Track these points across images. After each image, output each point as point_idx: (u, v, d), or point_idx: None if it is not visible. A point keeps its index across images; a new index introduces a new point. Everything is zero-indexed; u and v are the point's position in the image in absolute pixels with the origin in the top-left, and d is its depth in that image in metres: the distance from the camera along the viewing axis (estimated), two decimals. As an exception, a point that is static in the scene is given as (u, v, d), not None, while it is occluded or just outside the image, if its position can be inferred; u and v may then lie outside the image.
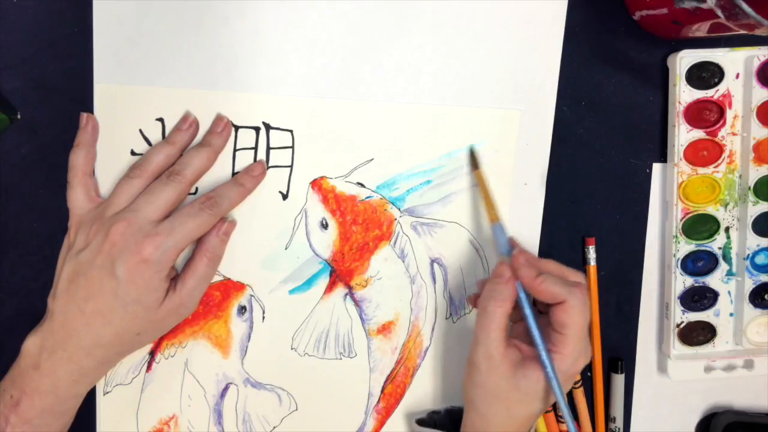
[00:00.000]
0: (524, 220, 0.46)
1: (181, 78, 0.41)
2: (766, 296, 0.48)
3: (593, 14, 0.45)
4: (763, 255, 0.47)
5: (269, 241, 0.43)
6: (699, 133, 0.45)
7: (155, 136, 0.41)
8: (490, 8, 0.43)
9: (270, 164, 0.43)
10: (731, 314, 0.48)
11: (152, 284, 0.37)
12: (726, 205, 0.47)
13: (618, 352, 0.49)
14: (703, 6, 0.36)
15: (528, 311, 0.38)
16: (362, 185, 0.44)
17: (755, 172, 0.46)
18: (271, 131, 0.42)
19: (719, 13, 0.35)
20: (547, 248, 0.47)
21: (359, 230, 0.44)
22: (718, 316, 0.48)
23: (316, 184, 0.43)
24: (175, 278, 0.39)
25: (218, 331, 0.44)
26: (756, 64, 0.44)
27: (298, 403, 0.45)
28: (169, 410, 0.44)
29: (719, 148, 0.46)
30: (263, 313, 0.44)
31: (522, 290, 0.38)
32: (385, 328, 0.46)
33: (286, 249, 0.44)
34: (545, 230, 0.47)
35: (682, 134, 0.45)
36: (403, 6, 0.42)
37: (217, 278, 0.43)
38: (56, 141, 0.41)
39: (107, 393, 0.43)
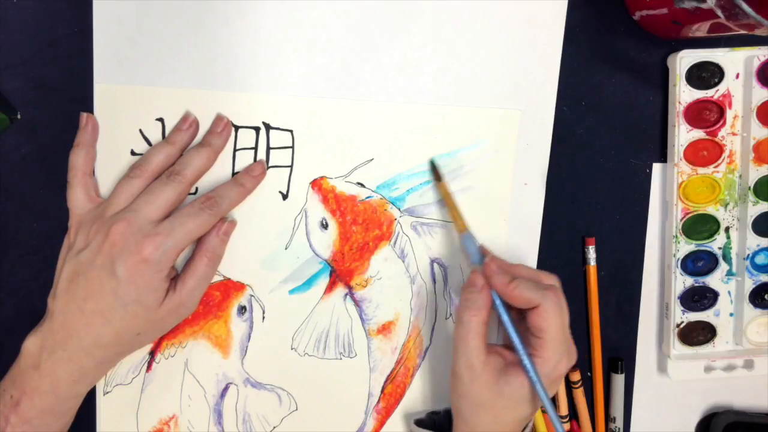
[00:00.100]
0: (524, 220, 0.46)
1: (181, 78, 0.41)
2: (766, 296, 0.48)
3: (593, 14, 0.45)
4: (763, 255, 0.47)
5: (269, 241, 0.43)
6: (699, 133, 0.45)
7: (155, 136, 0.41)
8: (490, 8, 0.43)
9: (270, 164, 0.43)
10: (731, 314, 0.48)
11: (152, 284, 0.37)
12: (726, 205, 0.47)
13: (618, 352, 0.49)
14: (703, 6, 0.37)
15: (505, 317, 0.38)
16: (362, 185, 0.44)
17: (755, 172, 0.46)
18: (271, 131, 0.42)
19: (719, 13, 0.35)
20: (547, 248, 0.47)
21: (359, 230, 0.44)
22: (718, 316, 0.48)
23: (316, 184, 0.43)
24: (175, 278, 0.39)
25: (218, 331, 0.44)
26: (756, 64, 0.44)
27: (298, 403, 0.45)
28: (169, 410, 0.44)
29: (719, 148, 0.46)
30: (263, 313, 0.44)
31: (498, 297, 0.38)
32: (385, 328, 0.46)
33: (286, 249, 0.44)
34: (545, 230, 0.47)
35: (682, 134, 0.45)
36: (403, 6, 0.42)
37: (217, 278, 0.43)
38: (56, 141, 0.41)
39: (107, 393, 0.43)
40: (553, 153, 0.46)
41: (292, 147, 0.43)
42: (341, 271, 0.45)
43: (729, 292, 0.48)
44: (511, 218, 0.46)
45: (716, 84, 0.45)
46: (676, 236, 0.46)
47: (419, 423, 0.45)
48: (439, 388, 0.47)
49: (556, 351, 0.37)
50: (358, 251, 0.45)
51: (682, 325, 0.47)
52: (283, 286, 0.44)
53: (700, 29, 0.40)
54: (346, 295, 0.45)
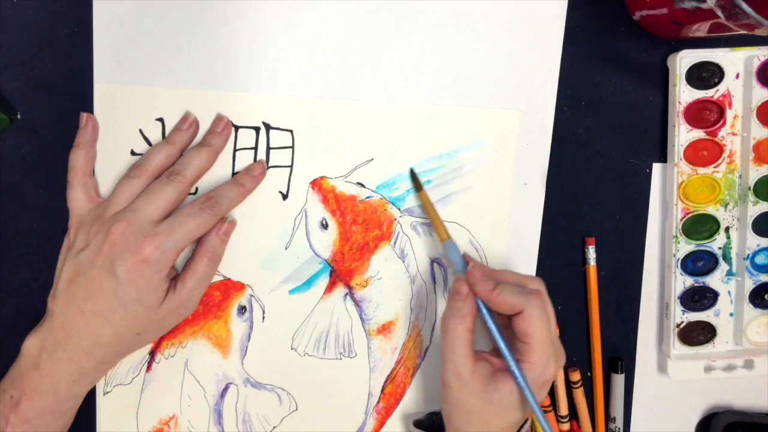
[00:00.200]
0: (524, 220, 0.46)
1: (181, 78, 0.41)
2: (766, 296, 0.48)
3: (593, 14, 0.45)
4: (763, 255, 0.47)
5: (269, 241, 0.43)
6: (699, 133, 0.45)
7: (155, 136, 0.41)
8: (490, 8, 0.43)
9: (270, 164, 0.43)
10: (731, 314, 0.48)
11: (152, 284, 0.37)
12: (726, 205, 0.47)
13: (618, 352, 0.49)
14: (703, 6, 0.37)
15: (490, 324, 0.38)
16: (362, 185, 0.44)
17: (755, 172, 0.46)
18: (271, 131, 0.42)
19: (719, 13, 0.35)
20: (547, 248, 0.47)
21: (359, 230, 0.44)
22: (718, 316, 0.48)
23: (316, 184, 0.43)
24: (175, 278, 0.39)
25: (218, 331, 0.44)
26: (756, 64, 0.44)
27: (298, 403, 0.45)
28: (169, 410, 0.44)
29: (719, 148, 0.46)
30: (263, 313, 0.44)
31: (483, 304, 0.38)
32: (385, 328, 0.46)
33: (286, 249, 0.44)
34: (545, 230, 0.47)
35: (682, 134, 0.45)
36: (403, 6, 0.42)
37: (217, 278, 0.43)
38: (56, 141, 0.41)
39: (107, 393, 0.43)
40: (553, 153, 0.46)
41: (292, 147, 0.43)
42: (341, 271, 0.45)
43: (729, 292, 0.48)
44: (511, 218, 0.46)
45: (716, 84, 0.45)
46: (676, 236, 0.46)
47: (418, 424, 0.45)
48: (439, 388, 0.47)
49: (542, 355, 0.37)
50: (358, 251, 0.45)
51: (682, 325, 0.47)
52: (283, 286, 0.44)
53: (700, 29, 0.40)
54: (346, 295, 0.45)
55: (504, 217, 0.46)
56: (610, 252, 0.48)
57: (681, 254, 0.46)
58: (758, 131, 0.45)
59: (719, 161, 0.46)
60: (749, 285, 0.47)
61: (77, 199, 0.39)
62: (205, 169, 0.41)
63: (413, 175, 0.44)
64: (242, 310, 0.44)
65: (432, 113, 0.44)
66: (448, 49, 0.43)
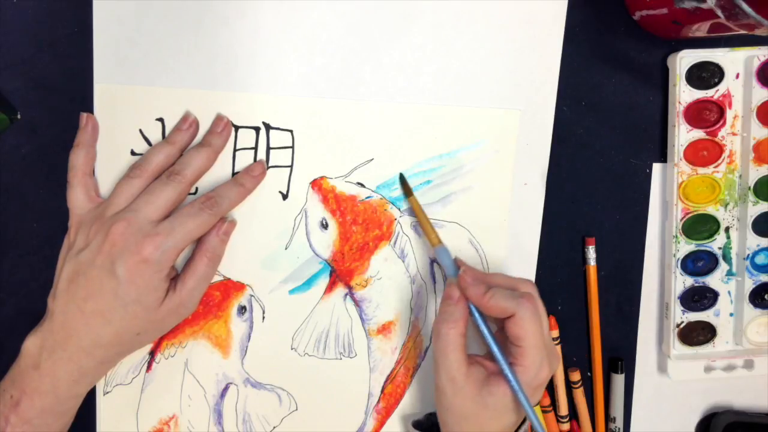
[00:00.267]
0: (524, 220, 0.46)
1: (181, 78, 0.41)
2: (766, 296, 0.48)
3: (593, 14, 0.45)
4: (763, 255, 0.47)
5: (269, 241, 0.43)
6: (699, 133, 0.45)
7: (155, 136, 0.41)
8: (490, 8, 0.43)
9: (270, 164, 0.43)
10: (731, 314, 0.48)
11: (152, 284, 0.37)
12: (726, 205, 0.47)
13: (618, 352, 0.49)
14: (703, 6, 0.36)
15: (483, 328, 0.38)
16: (362, 185, 0.44)
17: (755, 172, 0.46)
18: (271, 131, 0.42)
19: (719, 13, 0.35)
20: (547, 248, 0.47)
21: (359, 230, 0.44)
22: (718, 316, 0.48)
23: (316, 184, 0.43)
24: (175, 278, 0.39)
25: (218, 331, 0.44)
26: (756, 64, 0.44)
27: (298, 403, 0.45)
28: (169, 410, 0.44)
29: (719, 148, 0.46)
30: (263, 313, 0.44)
31: (475, 308, 0.38)
32: (385, 328, 0.46)
33: (286, 249, 0.44)
34: (545, 230, 0.47)
35: (682, 134, 0.45)
36: (403, 6, 0.42)
37: (217, 278, 0.43)
38: (56, 141, 0.41)
39: (107, 393, 0.43)
40: (553, 153, 0.46)
41: (292, 147, 0.43)
42: (341, 271, 0.45)
43: (729, 292, 0.48)
44: (511, 218, 0.46)
45: (716, 84, 0.45)
46: (676, 236, 0.46)
47: (417, 425, 0.45)
48: (439, 388, 0.47)
49: (536, 358, 0.37)
50: (358, 251, 0.45)
51: (682, 325, 0.47)
52: (283, 286, 0.44)
53: (700, 29, 0.40)
54: (346, 295, 0.45)
55: (504, 217, 0.46)
56: (610, 252, 0.48)
57: (681, 254, 0.46)
58: (758, 131, 0.45)
59: (719, 161, 0.46)
60: (749, 285, 0.47)
61: (77, 199, 0.39)
62: (205, 169, 0.41)
63: (402, 181, 0.44)
64: (242, 310, 0.44)
65: (432, 113, 0.44)
66: (448, 49, 0.43)
